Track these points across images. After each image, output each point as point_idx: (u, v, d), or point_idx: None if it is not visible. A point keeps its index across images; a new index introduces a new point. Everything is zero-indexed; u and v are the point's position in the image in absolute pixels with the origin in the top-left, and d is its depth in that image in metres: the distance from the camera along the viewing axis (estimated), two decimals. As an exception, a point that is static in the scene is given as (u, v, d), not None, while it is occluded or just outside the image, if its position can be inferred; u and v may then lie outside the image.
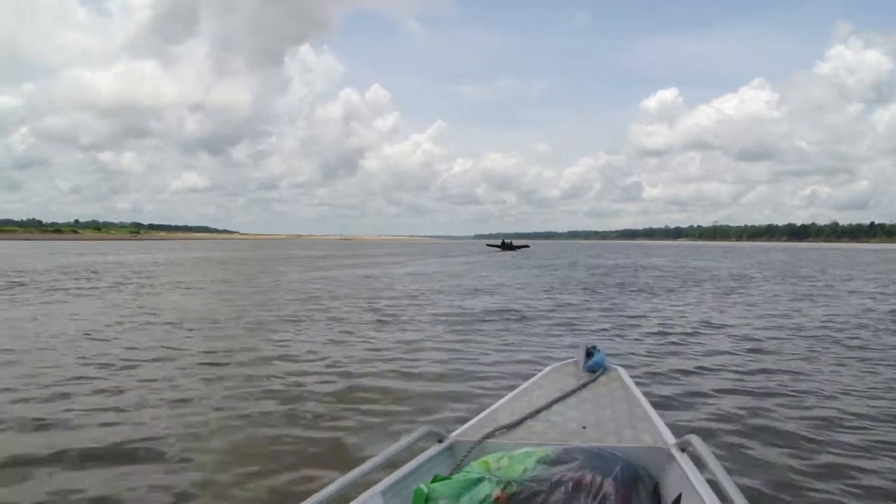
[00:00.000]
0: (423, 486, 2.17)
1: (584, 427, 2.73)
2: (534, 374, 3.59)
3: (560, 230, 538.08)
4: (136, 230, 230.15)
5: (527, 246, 79.05)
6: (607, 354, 3.68)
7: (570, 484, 2.10)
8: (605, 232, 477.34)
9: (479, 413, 2.95)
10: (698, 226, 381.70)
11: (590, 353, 3.62)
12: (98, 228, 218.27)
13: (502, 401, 3.10)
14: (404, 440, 2.41)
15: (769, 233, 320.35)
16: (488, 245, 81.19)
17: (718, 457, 2.09)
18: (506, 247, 71.28)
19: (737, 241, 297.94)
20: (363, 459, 2.39)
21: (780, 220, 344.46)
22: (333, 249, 74.56)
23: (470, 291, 17.27)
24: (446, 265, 33.79)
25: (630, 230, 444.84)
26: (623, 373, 3.49)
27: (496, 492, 2.11)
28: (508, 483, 2.13)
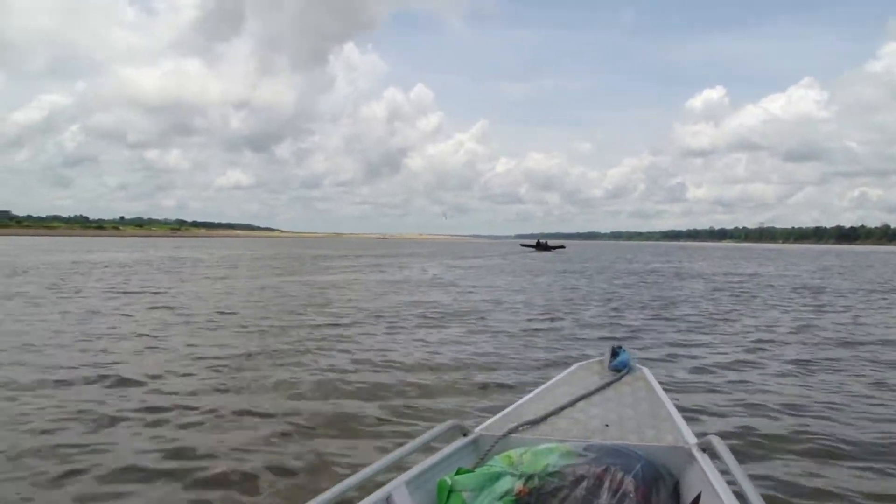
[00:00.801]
0: (446, 478, 2.23)
1: (606, 425, 2.77)
2: (560, 372, 3.64)
3: (603, 231, 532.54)
4: (177, 227, 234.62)
5: (562, 247, 76.83)
6: (633, 355, 3.71)
7: (592, 480, 2.13)
8: (648, 233, 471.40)
9: (504, 408, 2.99)
10: (743, 227, 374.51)
11: (615, 353, 3.67)
12: (140, 225, 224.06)
13: (527, 397, 3.16)
14: (429, 433, 2.47)
15: (817, 235, 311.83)
16: (522, 245, 79.73)
17: (739, 460, 2.13)
18: (541, 247, 69.34)
19: (783, 243, 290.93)
20: (389, 450, 2.47)
21: (827, 222, 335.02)
22: (359, 249, 74.18)
23: (440, 315, 12.23)
24: (452, 269, 29.91)
25: (674, 231, 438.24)
26: (648, 373, 3.54)
27: (518, 486, 2.15)
28: (530, 477, 2.17)
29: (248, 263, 32.57)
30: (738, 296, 18.01)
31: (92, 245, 67.37)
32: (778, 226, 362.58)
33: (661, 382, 3.38)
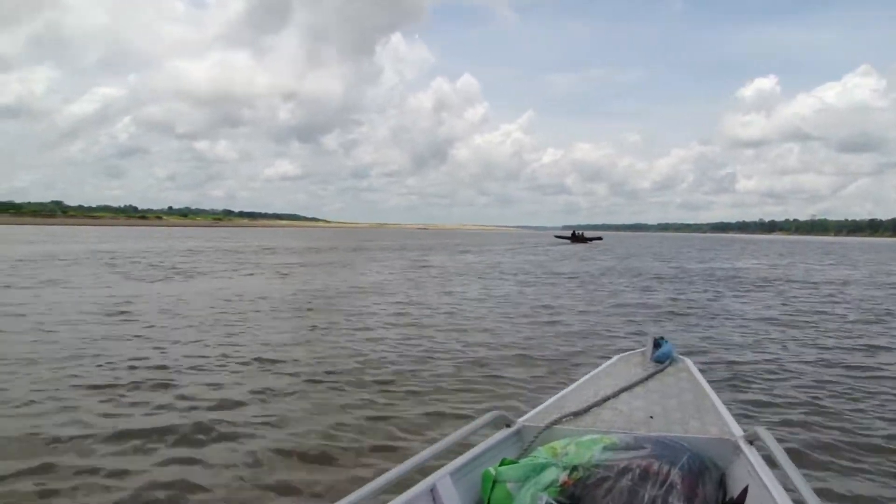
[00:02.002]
0: (491, 468, 2.25)
1: (650, 416, 2.78)
2: (601, 363, 3.65)
3: (650, 222, 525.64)
4: (220, 217, 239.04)
5: (600, 238, 74.89)
6: (675, 346, 3.71)
7: (637, 471, 2.14)
8: (696, 224, 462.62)
9: (546, 399, 3.01)
10: (794, 219, 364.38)
11: (657, 344, 3.69)
12: (185, 215, 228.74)
13: (570, 388, 3.19)
14: (473, 424, 2.48)
15: (871, 227, 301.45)
16: (557, 237, 78.04)
17: (788, 452, 2.11)
18: (576, 239, 67.71)
19: (835, 235, 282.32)
20: (433, 441, 2.46)
21: (883, 215, 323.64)
22: (389, 239, 74.51)
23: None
24: (444, 269, 23.28)
25: (722, 223, 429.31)
26: (690, 364, 3.54)
27: (563, 477, 2.16)
28: (575, 468, 2.18)
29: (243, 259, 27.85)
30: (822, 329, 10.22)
31: (117, 234, 68.91)
32: (831, 218, 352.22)
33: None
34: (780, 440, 2.21)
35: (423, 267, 24.71)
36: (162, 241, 46.65)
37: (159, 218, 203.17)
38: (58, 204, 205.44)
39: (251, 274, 19.66)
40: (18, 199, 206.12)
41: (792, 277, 22.30)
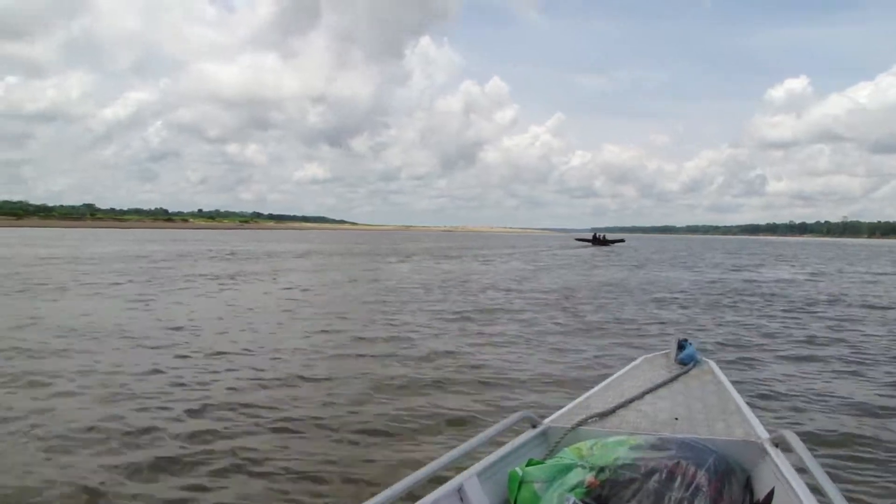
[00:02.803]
0: (518, 469, 2.27)
1: (676, 418, 2.79)
2: (625, 365, 3.68)
3: (678, 224, 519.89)
4: (247, 220, 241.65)
5: (621, 240, 73.19)
6: (698, 348, 3.72)
7: (664, 473, 2.15)
8: (725, 227, 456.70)
9: (572, 401, 3.05)
10: (826, 221, 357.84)
11: (681, 346, 3.71)
12: (212, 218, 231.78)
13: (595, 389, 3.22)
14: (500, 424, 2.50)
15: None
16: (578, 239, 76.45)
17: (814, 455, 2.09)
18: (597, 241, 66.18)
19: (868, 237, 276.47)
20: (460, 441, 2.54)
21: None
22: (409, 242, 73.94)
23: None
24: (387, 282, 18.95)
25: (752, 225, 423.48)
26: (714, 366, 3.54)
27: (589, 478, 2.18)
28: (601, 470, 2.19)
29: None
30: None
31: (138, 237, 69.22)
32: (863, 220, 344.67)
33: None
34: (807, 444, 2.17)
35: (373, 281, 19.82)
36: (160, 246, 46.15)
37: (185, 221, 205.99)
38: (89, 207, 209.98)
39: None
40: (53, 203, 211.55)
41: (848, 297, 16.60)
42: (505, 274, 23.68)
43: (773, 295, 16.87)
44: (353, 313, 11.77)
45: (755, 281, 22.24)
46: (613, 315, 12.04)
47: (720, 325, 11.10)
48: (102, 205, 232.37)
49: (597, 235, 69.56)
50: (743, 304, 14.45)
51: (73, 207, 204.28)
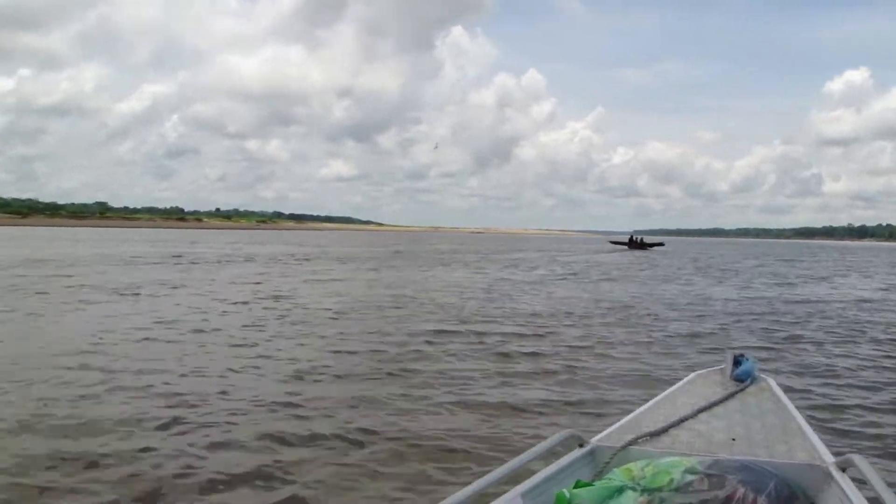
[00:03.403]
0: (565, 490, 2.27)
1: (732, 439, 2.78)
2: (677, 381, 3.68)
3: (728, 227, 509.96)
4: (265, 220, 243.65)
5: (661, 244, 72.13)
6: (757, 363, 3.70)
7: (721, 498, 2.13)
8: (778, 230, 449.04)
9: (621, 418, 3.06)
10: (888, 224, 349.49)
11: (738, 362, 3.70)
12: (228, 217, 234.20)
13: (645, 407, 3.23)
14: (545, 443, 2.52)
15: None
16: (613, 243, 75.00)
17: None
18: (634, 245, 64.69)
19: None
20: (503, 460, 2.55)
21: None
22: (427, 243, 73.59)
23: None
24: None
25: (807, 228, 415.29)
26: (773, 383, 3.54)
27: (641, 501, 2.18)
28: (654, 493, 2.19)
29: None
30: None
31: (144, 236, 69.46)
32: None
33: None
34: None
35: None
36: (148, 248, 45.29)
37: (199, 220, 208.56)
38: (101, 205, 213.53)
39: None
40: (65, 201, 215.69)
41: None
42: (504, 286, 21.35)
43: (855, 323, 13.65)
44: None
45: (826, 301, 18.27)
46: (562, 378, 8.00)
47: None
48: (116, 203, 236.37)
49: (633, 238, 67.92)
50: (810, 341, 11.08)
51: (83, 205, 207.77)
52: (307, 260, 35.68)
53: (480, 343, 10.23)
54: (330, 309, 14.38)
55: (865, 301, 18.56)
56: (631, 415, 3.12)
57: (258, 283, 20.86)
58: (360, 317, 13.40)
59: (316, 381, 7.63)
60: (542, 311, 14.79)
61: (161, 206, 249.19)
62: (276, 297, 16.41)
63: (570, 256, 50.22)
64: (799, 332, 12.06)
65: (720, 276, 30.57)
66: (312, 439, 5.56)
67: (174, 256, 34.65)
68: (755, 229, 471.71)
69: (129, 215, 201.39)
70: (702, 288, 22.64)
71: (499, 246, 72.91)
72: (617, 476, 2.33)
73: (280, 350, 9.48)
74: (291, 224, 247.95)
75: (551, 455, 2.57)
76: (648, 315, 14.34)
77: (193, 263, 29.83)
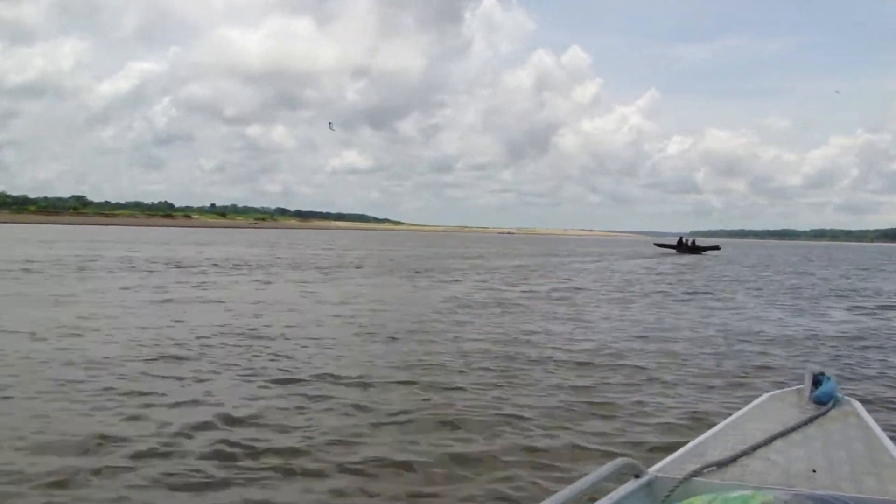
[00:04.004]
0: None
1: (813, 470, 2.87)
2: (747, 404, 3.85)
3: (800, 228, 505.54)
4: (264, 217, 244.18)
5: (716, 248, 70.27)
6: (840, 383, 3.85)
7: None
8: (860, 231, 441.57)
9: (682, 445, 3.19)
10: None
11: (818, 381, 3.82)
12: (222, 214, 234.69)
13: (710, 432, 3.34)
14: (597, 472, 2.61)
15: None
16: (658, 245, 74.32)
17: None
18: (684, 248, 63.78)
19: None
20: (553, 491, 2.62)
21: None
22: (436, 246, 71.00)
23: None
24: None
25: (895, 229, 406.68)
26: (859, 406, 3.63)
27: None
28: None
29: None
30: None
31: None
32: None
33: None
34: None
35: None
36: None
37: (189, 217, 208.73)
38: (79, 199, 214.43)
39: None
40: (39, 194, 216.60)
41: None
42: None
43: None
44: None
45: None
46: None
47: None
48: (97, 197, 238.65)
49: (684, 240, 66.26)
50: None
51: (58, 200, 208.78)
52: (259, 268, 32.42)
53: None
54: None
55: None
56: (694, 441, 3.21)
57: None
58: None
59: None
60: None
61: (149, 200, 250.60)
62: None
63: (591, 263, 48.19)
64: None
65: (784, 288, 28.40)
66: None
67: (28, 262, 30.11)
68: (833, 230, 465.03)
69: (109, 211, 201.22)
70: (752, 306, 20.14)
71: (536, 250, 71.69)
72: None
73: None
74: (294, 222, 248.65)
75: (604, 487, 2.66)
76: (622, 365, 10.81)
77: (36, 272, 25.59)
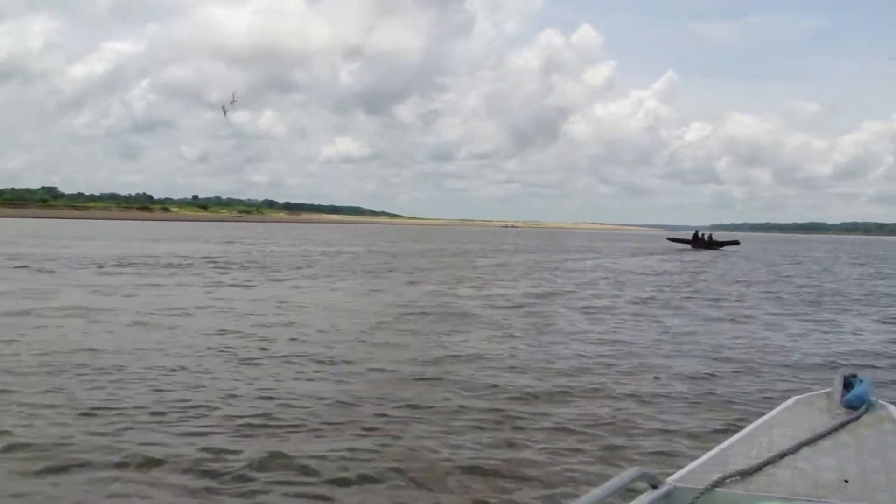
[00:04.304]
0: None
1: (845, 480, 2.87)
2: (773, 408, 3.88)
3: (830, 221, 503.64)
4: (249, 210, 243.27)
5: (735, 243, 68.51)
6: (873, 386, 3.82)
7: None
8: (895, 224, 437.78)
9: (703, 453, 3.24)
10: None
11: (849, 384, 3.82)
12: (204, 207, 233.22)
13: (733, 439, 3.37)
14: (611, 483, 2.62)
15: None
16: (672, 240, 73.68)
17: None
18: (700, 243, 63.84)
19: None
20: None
21: None
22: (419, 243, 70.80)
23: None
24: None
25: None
26: (894, 411, 3.63)
27: None
28: None
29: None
30: None
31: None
32: None
33: None
34: None
35: None
36: None
37: (167, 210, 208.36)
38: (49, 191, 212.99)
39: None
40: (6, 185, 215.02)
41: None
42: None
43: None
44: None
45: None
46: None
47: None
48: (70, 188, 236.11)
49: (699, 235, 66.49)
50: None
51: (27, 191, 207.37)
52: (176, 267, 30.27)
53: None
54: None
55: None
56: (716, 449, 3.22)
57: None
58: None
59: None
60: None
61: (126, 192, 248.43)
62: None
63: (589, 260, 46.34)
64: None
65: (793, 289, 26.44)
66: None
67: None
68: (866, 224, 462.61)
69: (82, 203, 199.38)
70: (749, 324, 16.57)
71: (504, 244, 71.35)
72: None
73: None
74: (283, 215, 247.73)
75: (619, 497, 2.68)
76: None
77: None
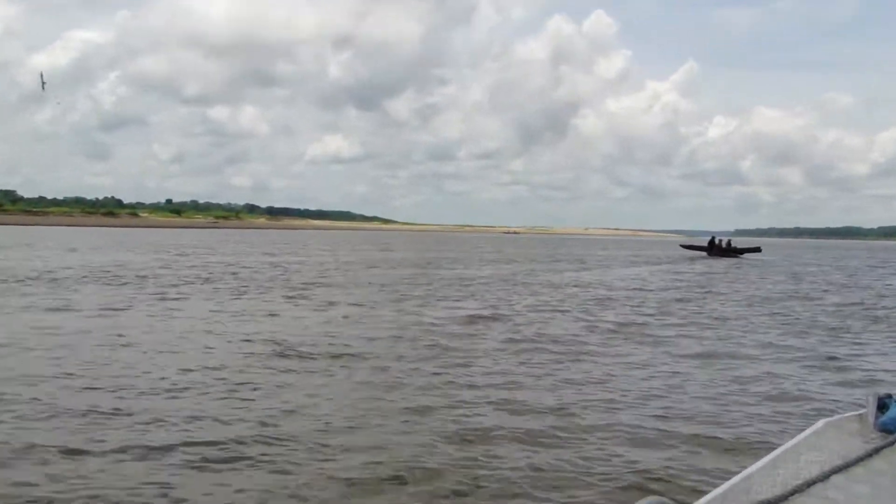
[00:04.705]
0: None
1: None
2: (800, 432, 3.54)
3: (867, 225, 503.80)
4: (225, 216, 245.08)
5: (756, 249, 68.14)
6: None
7: None
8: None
9: (724, 481, 2.91)
10: None
11: (883, 405, 3.55)
12: (177, 212, 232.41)
13: (757, 465, 3.09)
14: None
15: None
16: (685, 247, 74.88)
17: None
18: (717, 250, 64.30)
19: None
20: None
21: None
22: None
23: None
24: None
25: None
26: None
27: None
28: None
29: None
30: None
31: None
32: None
33: None
34: None
35: None
36: None
37: (135, 215, 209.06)
38: (7, 194, 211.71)
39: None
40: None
41: None
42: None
43: None
44: None
45: None
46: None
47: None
48: (31, 192, 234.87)
49: (716, 241, 66.47)
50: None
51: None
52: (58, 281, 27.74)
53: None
54: None
55: None
56: (738, 476, 2.90)
57: None
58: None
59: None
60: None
61: (93, 195, 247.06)
62: None
63: (577, 272, 44.04)
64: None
65: (813, 310, 23.51)
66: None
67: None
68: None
69: (41, 209, 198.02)
70: (740, 368, 13.33)
71: (493, 252, 70.90)
72: None
73: None
74: (264, 221, 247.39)
75: None
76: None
77: None
